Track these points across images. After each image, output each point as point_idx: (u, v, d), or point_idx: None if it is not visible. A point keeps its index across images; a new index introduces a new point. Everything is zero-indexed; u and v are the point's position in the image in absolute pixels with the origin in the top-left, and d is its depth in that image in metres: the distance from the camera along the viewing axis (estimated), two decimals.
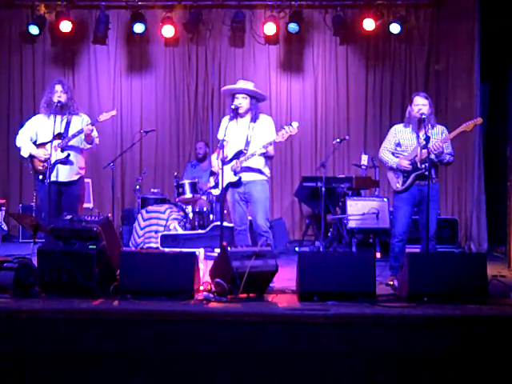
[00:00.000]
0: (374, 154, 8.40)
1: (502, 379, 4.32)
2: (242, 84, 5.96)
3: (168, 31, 9.51)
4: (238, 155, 5.82)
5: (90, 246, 4.89)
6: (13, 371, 4.34)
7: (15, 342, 4.38)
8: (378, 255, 7.71)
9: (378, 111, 9.90)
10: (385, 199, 7.99)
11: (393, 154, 6.00)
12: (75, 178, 6.24)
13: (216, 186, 6.01)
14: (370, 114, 9.93)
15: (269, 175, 5.95)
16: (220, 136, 5.95)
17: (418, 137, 5.88)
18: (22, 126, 6.51)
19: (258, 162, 5.81)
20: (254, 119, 5.87)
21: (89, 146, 6.26)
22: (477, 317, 4.52)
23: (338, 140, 8.25)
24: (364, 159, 8.72)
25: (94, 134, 6.21)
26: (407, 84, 9.72)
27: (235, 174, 5.80)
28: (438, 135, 5.88)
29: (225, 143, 5.87)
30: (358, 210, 7.87)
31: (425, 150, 5.70)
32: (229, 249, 4.95)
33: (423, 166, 5.76)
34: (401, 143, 5.97)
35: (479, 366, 4.35)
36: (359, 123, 9.92)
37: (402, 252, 5.78)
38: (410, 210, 5.95)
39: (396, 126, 6.10)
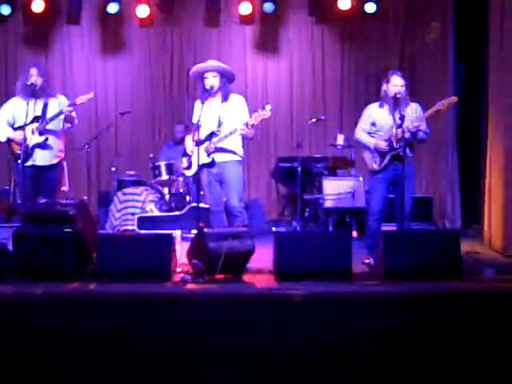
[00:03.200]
0: (350, 134, 8.40)
1: (476, 353, 4.39)
2: (210, 63, 5.93)
3: (142, 11, 9.40)
4: (210, 136, 5.80)
5: (66, 230, 4.87)
6: None
7: None
8: (355, 234, 7.74)
9: (354, 91, 9.91)
10: (360, 178, 8.03)
11: (369, 133, 6.01)
12: (54, 161, 6.18)
13: (189, 166, 6.00)
14: (346, 94, 9.94)
15: (242, 156, 5.94)
16: (194, 120, 5.92)
17: (393, 116, 5.87)
18: None
19: (232, 143, 5.79)
20: (224, 99, 5.84)
21: (69, 125, 6.23)
22: (451, 292, 4.60)
23: (314, 120, 8.26)
24: (340, 139, 8.74)
25: (73, 114, 6.16)
26: (382, 63, 9.70)
27: (208, 155, 5.78)
28: (413, 113, 5.88)
29: (200, 124, 5.84)
30: (334, 189, 7.91)
31: (400, 130, 5.73)
32: (205, 230, 4.96)
33: (399, 145, 5.79)
34: (376, 123, 5.97)
35: (454, 341, 4.41)
36: (335, 103, 9.94)
37: (378, 231, 5.80)
38: (386, 189, 5.98)
39: (371, 106, 6.10)
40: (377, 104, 6.04)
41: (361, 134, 6.05)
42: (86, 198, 7.71)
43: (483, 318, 4.43)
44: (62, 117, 6.08)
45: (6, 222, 5.68)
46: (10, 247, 4.98)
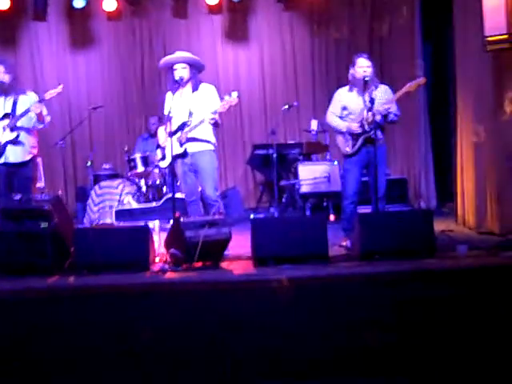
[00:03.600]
0: (323, 119, 8.48)
1: (452, 330, 4.48)
2: (178, 54, 5.94)
3: (109, 5, 9.33)
4: (182, 127, 5.81)
5: (42, 225, 4.88)
6: None
7: None
8: (332, 218, 7.82)
9: (325, 76, 9.95)
10: (335, 162, 8.11)
11: (340, 117, 6.05)
12: (27, 158, 6.15)
13: (163, 158, 6.03)
14: (317, 79, 9.99)
15: (215, 144, 5.96)
16: (166, 111, 5.91)
17: (363, 99, 5.92)
18: None
19: (204, 132, 5.80)
20: (195, 89, 5.85)
21: (41, 126, 6.19)
22: (426, 270, 4.69)
23: (287, 106, 8.29)
24: (313, 124, 8.80)
25: (44, 112, 6.13)
26: (352, 47, 9.75)
27: (181, 145, 5.80)
28: (383, 95, 5.93)
29: (171, 115, 5.86)
30: (309, 174, 7.98)
31: (370, 113, 5.77)
32: (181, 219, 5.00)
33: (370, 128, 5.83)
34: (347, 106, 6.01)
35: (431, 318, 4.50)
36: (307, 89, 9.98)
37: (354, 213, 5.84)
38: (360, 172, 6.04)
39: (340, 90, 6.14)
40: (346, 88, 6.09)
41: (332, 117, 6.10)
42: (60, 193, 7.69)
43: (458, 294, 4.53)
44: (33, 114, 6.05)
45: None
46: None
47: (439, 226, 6.10)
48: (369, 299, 4.52)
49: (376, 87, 5.96)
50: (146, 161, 8.12)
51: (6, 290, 4.52)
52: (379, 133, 5.90)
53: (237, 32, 9.96)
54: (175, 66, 5.81)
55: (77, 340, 4.36)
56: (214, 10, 9.78)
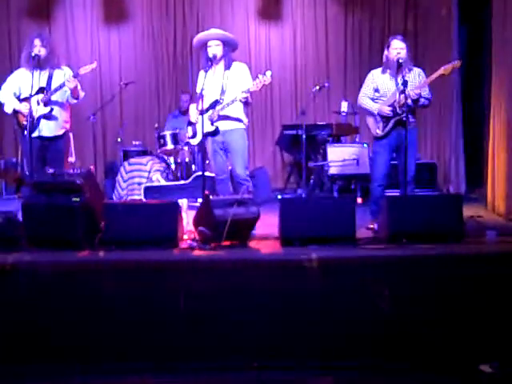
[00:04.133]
0: (354, 101, 8.42)
1: (478, 315, 4.48)
2: (213, 31, 5.93)
3: None
4: (214, 105, 5.82)
5: (74, 199, 4.92)
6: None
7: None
8: (359, 200, 7.80)
9: (358, 57, 9.91)
10: (365, 145, 8.07)
11: (372, 99, 6.02)
12: (60, 132, 6.21)
13: (194, 135, 6.06)
14: (350, 61, 9.94)
15: (247, 123, 5.97)
16: (198, 89, 5.93)
17: (396, 81, 5.88)
18: None
19: (236, 111, 5.82)
20: (227, 67, 5.84)
21: (75, 101, 6.24)
22: (453, 255, 4.66)
23: (318, 87, 8.25)
24: (344, 106, 8.77)
25: (78, 86, 6.18)
26: (386, 29, 9.71)
27: (212, 123, 5.81)
28: (416, 78, 5.89)
29: (203, 94, 5.87)
30: (338, 156, 7.96)
31: (403, 95, 5.73)
32: (211, 197, 5.02)
33: (402, 110, 5.79)
34: (379, 88, 5.98)
35: (457, 302, 4.50)
36: (339, 70, 9.95)
37: (382, 196, 5.82)
38: (389, 155, 6.00)
39: (373, 72, 6.10)
40: (379, 69, 6.05)
41: (364, 99, 6.07)
42: (92, 167, 7.76)
43: (484, 279, 4.52)
44: (67, 88, 6.10)
45: (14, 192, 5.74)
46: (20, 217, 5.04)
47: (468, 211, 6.04)
48: (395, 282, 4.53)
49: (410, 70, 5.91)
50: (175, 138, 8.16)
51: (36, 261, 4.59)
52: (410, 116, 5.85)
53: (270, 10, 9.94)
54: (209, 43, 5.81)
55: (104, 313, 4.45)
56: None
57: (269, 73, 5.67)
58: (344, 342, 4.44)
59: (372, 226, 5.77)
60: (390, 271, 4.57)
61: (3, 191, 9.17)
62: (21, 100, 6.15)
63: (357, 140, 8.72)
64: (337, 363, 4.39)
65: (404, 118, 5.70)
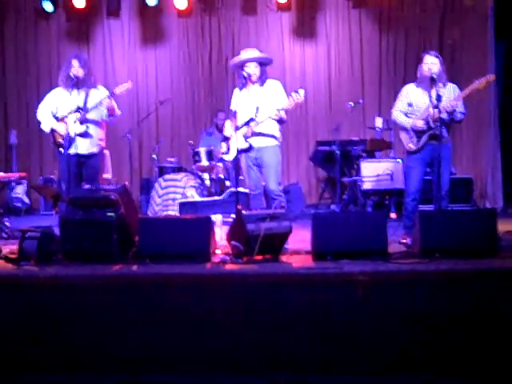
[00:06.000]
0: (389, 117, 8.42)
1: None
2: (250, 53, 5.99)
3: (181, 2, 9.59)
4: (248, 122, 5.88)
5: (109, 214, 5.01)
6: (33, 336, 4.50)
7: (38, 306, 4.54)
8: (393, 216, 7.77)
9: (393, 74, 9.89)
10: (399, 160, 8.04)
11: (405, 114, 6.02)
12: (95, 150, 6.34)
13: (228, 151, 6.14)
14: (384, 77, 9.92)
15: (280, 140, 6.01)
16: (232, 107, 6.03)
17: (429, 96, 5.88)
18: (39, 99, 6.61)
19: (270, 128, 5.87)
20: (262, 84, 5.92)
21: (111, 118, 6.39)
22: (488, 270, 4.60)
23: (352, 104, 8.28)
24: (378, 121, 8.76)
25: (114, 105, 6.31)
26: (421, 46, 9.65)
27: (246, 140, 5.87)
28: (450, 93, 5.87)
29: (237, 111, 5.96)
30: (372, 171, 7.94)
31: (436, 110, 5.71)
32: (243, 212, 5.06)
33: (435, 125, 5.78)
34: (413, 103, 5.97)
35: (491, 318, 4.43)
36: (373, 86, 9.93)
37: (415, 211, 5.77)
38: (423, 170, 5.99)
39: (407, 86, 6.11)
40: (414, 84, 6.05)
41: (397, 114, 6.07)
42: (127, 183, 7.88)
43: None
44: (104, 107, 6.24)
45: (52, 208, 5.86)
46: (57, 232, 5.14)
47: (505, 227, 5.96)
48: (427, 297, 4.49)
49: (444, 85, 5.90)
50: (210, 155, 8.24)
51: (73, 275, 4.67)
52: (444, 131, 5.83)
53: (305, 29, 10.00)
54: (247, 64, 5.89)
55: (136, 326, 4.50)
56: (282, 8, 9.86)
57: (302, 91, 5.71)
58: (384, 358, 4.40)
59: (405, 241, 5.74)
60: (423, 286, 4.52)
61: (42, 207, 9.36)
62: (58, 119, 6.30)
63: (391, 155, 8.69)
64: (382, 379, 4.36)
65: (437, 132, 5.68)
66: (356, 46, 10.01)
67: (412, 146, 5.96)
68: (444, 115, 5.75)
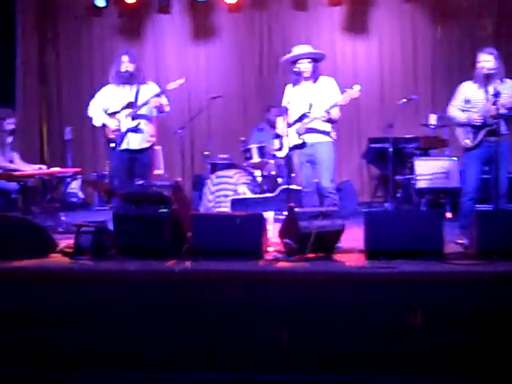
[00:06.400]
0: (443, 113, 8.27)
1: None
2: (303, 49, 5.95)
3: None
4: (301, 118, 5.85)
5: (162, 210, 5.03)
6: (88, 329, 4.55)
7: (93, 300, 4.60)
8: (449, 215, 7.62)
9: (447, 69, 9.71)
10: (454, 158, 7.88)
11: (462, 111, 5.92)
12: (146, 145, 6.40)
13: (280, 148, 6.11)
14: (439, 73, 9.76)
15: (334, 136, 5.96)
16: (284, 102, 6.00)
17: (486, 92, 5.77)
18: (92, 96, 6.69)
19: (323, 124, 5.83)
20: (315, 81, 5.89)
21: (161, 115, 6.44)
22: None
23: (405, 100, 8.14)
24: (432, 118, 8.61)
25: (164, 102, 6.35)
26: (477, 39, 9.45)
27: (299, 136, 5.84)
28: (509, 89, 5.75)
29: (289, 107, 5.92)
30: (426, 169, 7.80)
31: (494, 106, 5.60)
32: (296, 209, 5.02)
33: (493, 121, 5.66)
34: (470, 100, 5.88)
35: None
36: (427, 82, 9.79)
37: (472, 210, 5.66)
38: (480, 168, 5.87)
39: (464, 83, 6.01)
40: (471, 81, 5.96)
41: (453, 109, 5.99)
42: (180, 179, 7.94)
43: None
44: (153, 103, 6.28)
45: (106, 203, 5.94)
46: (111, 227, 5.20)
47: None
48: (484, 299, 4.38)
49: (502, 81, 5.78)
50: (262, 151, 8.22)
51: (126, 270, 4.71)
52: (503, 127, 5.70)
53: (356, 24, 9.91)
54: (300, 61, 5.84)
55: (191, 322, 4.51)
56: (333, 2, 9.78)
57: (357, 87, 5.66)
58: (437, 359, 4.31)
59: (461, 241, 5.61)
60: (480, 288, 4.41)
61: (96, 202, 9.50)
62: (109, 115, 6.37)
63: (446, 153, 8.52)
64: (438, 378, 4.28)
65: (495, 128, 5.55)
66: (409, 40, 9.87)
67: (468, 142, 5.85)
68: (503, 111, 5.62)
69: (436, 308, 4.38)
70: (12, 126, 7.33)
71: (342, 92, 5.70)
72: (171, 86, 6.33)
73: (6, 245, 4.98)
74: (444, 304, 4.39)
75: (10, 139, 7.35)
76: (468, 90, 5.91)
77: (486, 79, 5.74)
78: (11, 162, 7.30)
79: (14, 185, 7.00)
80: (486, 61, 5.73)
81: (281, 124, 6.07)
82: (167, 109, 6.45)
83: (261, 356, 4.43)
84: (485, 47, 6.04)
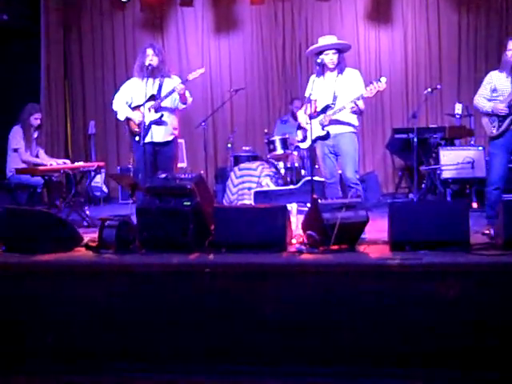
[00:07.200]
0: (469, 103, 8.17)
1: None
2: (328, 40, 5.90)
3: None
4: (325, 109, 5.81)
5: (185, 203, 5.03)
6: (110, 323, 4.58)
7: (116, 294, 4.62)
8: (475, 205, 7.53)
9: (473, 58, 9.59)
10: (480, 148, 7.78)
11: (488, 100, 5.86)
12: (169, 138, 6.41)
13: (304, 139, 6.07)
14: (464, 62, 9.63)
15: (358, 127, 5.91)
16: (307, 93, 5.95)
17: None
18: (115, 89, 6.72)
19: (347, 115, 5.77)
20: (340, 72, 5.84)
21: (183, 106, 6.44)
22: None
23: (430, 90, 8.05)
24: (458, 108, 8.50)
25: (186, 93, 6.35)
26: (503, 28, 9.33)
27: (323, 128, 5.80)
28: None
29: (312, 98, 5.88)
30: (451, 160, 7.71)
31: None
32: (319, 201, 4.99)
33: None
34: (497, 89, 5.82)
35: None
36: (452, 72, 9.66)
37: (498, 200, 5.61)
38: (506, 157, 5.81)
39: (492, 73, 5.95)
40: (497, 70, 5.89)
41: (480, 99, 5.92)
42: (202, 172, 7.94)
43: None
44: (176, 95, 6.28)
45: (129, 197, 5.96)
46: (135, 220, 5.21)
47: None
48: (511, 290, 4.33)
49: None
50: (285, 143, 8.20)
51: (149, 263, 4.73)
52: None
53: (380, 13, 9.82)
54: (325, 52, 5.80)
55: (214, 315, 4.51)
56: None
57: (384, 79, 5.61)
58: (462, 351, 4.26)
59: (488, 232, 5.54)
60: (506, 278, 4.35)
61: (119, 196, 9.55)
62: (133, 108, 6.38)
63: (471, 143, 8.42)
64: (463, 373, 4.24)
65: None
66: (433, 30, 9.75)
67: (494, 131, 5.80)
68: None
69: (463, 300, 4.33)
70: (38, 122, 7.39)
71: (368, 84, 5.64)
72: (192, 75, 6.33)
73: (32, 239, 5.02)
74: (470, 296, 4.33)
75: (35, 134, 7.42)
76: (495, 79, 5.84)
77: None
78: (37, 156, 7.38)
79: (38, 179, 7.06)
80: None
81: (303, 116, 6.02)
82: (190, 100, 6.45)
83: (286, 347, 4.42)
84: None
